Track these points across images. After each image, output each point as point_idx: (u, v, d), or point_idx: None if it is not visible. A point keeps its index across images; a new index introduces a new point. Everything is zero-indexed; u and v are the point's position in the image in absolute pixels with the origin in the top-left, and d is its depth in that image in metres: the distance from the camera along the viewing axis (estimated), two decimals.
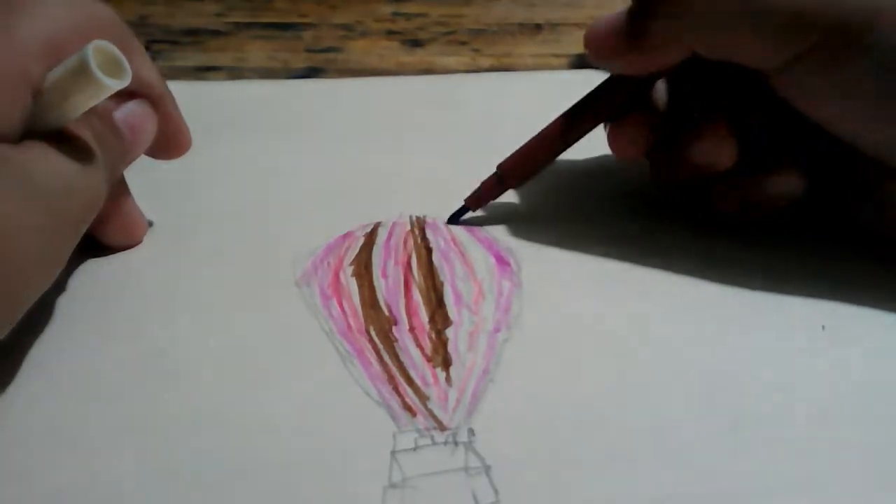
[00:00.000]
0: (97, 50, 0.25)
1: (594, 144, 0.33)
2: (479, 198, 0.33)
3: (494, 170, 0.33)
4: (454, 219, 0.33)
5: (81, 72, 0.25)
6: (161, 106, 0.31)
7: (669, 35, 0.29)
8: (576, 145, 0.33)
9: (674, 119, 0.32)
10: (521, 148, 0.33)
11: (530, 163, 0.33)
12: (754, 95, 0.30)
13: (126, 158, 0.30)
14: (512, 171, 0.33)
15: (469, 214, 0.33)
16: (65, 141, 0.26)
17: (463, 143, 0.40)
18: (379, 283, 0.30)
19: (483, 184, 0.33)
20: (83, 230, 0.27)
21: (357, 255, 0.31)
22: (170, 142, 0.32)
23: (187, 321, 0.28)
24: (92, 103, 0.26)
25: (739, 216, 0.31)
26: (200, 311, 0.28)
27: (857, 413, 0.25)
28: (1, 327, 0.24)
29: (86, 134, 0.27)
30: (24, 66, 0.25)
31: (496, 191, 0.33)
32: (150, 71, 0.31)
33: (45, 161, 0.25)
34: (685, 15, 0.28)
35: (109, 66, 0.25)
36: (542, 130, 0.33)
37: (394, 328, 0.28)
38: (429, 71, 0.48)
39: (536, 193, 0.35)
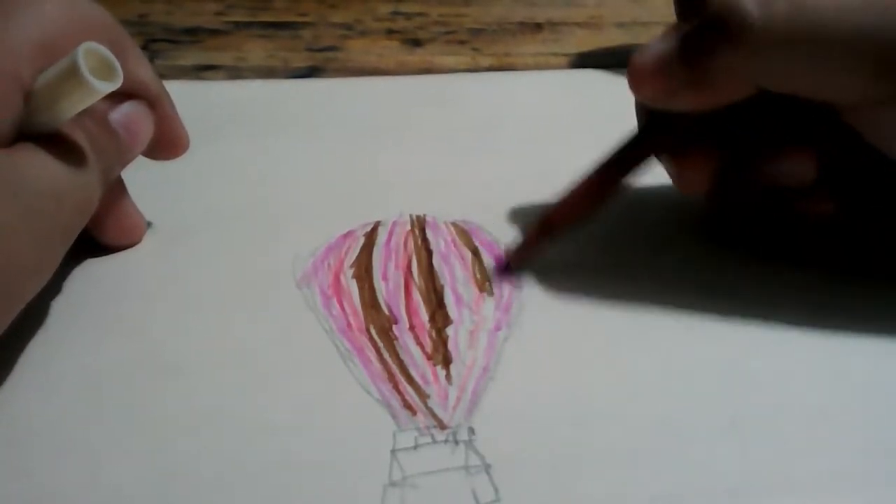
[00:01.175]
0: (88, 52, 0.25)
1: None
2: (521, 256, 0.30)
3: (537, 221, 0.30)
4: (501, 272, 0.30)
5: (72, 74, 0.24)
6: (158, 106, 0.31)
7: (733, 73, 0.26)
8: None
9: (744, 142, 0.28)
10: (568, 195, 0.29)
11: (580, 211, 0.30)
12: (819, 119, 0.27)
13: (122, 160, 0.30)
14: (558, 223, 0.30)
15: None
16: (56, 144, 0.26)
17: (463, 142, 0.39)
18: (379, 285, 0.30)
19: (525, 239, 0.30)
20: (75, 234, 0.27)
21: (357, 257, 0.31)
22: (167, 143, 0.32)
23: (187, 321, 0.28)
24: (83, 106, 0.26)
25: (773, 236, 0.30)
26: (200, 312, 0.28)
27: (857, 411, 0.25)
28: None
29: (78, 136, 0.27)
30: (15, 70, 0.25)
31: (541, 246, 0.30)
32: (145, 71, 0.30)
33: (36, 165, 0.25)
34: (752, 51, 0.25)
35: (101, 68, 0.25)
36: (590, 174, 0.29)
37: (394, 327, 0.28)
38: (429, 70, 0.48)
39: (535, 195, 0.35)
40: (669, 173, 0.30)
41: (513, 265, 0.30)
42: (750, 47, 0.25)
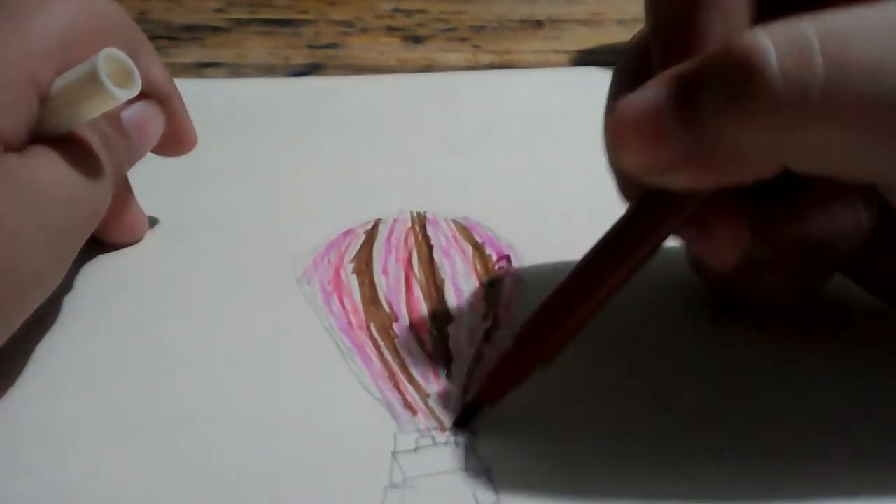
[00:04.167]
0: (108, 58, 0.25)
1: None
2: (495, 387, 0.23)
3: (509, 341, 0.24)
4: (461, 422, 0.23)
5: (91, 81, 0.24)
6: (168, 105, 0.31)
7: (748, 152, 0.19)
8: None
9: (781, 197, 0.23)
10: (551, 306, 0.23)
11: (566, 326, 0.23)
12: None
13: (131, 159, 0.30)
14: (536, 344, 0.23)
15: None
16: (71, 147, 0.26)
17: (463, 140, 0.39)
18: (380, 280, 0.30)
19: (494, 369, 0.24)
20: (85, 239, 0.27)
21: (358, 252, 0.31)
22: (175, 140, 0.32)
23: (188, 319, 0.28)
24: (100, 111, 0.26)
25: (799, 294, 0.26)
26: (201, 309, 0.28)
27: (856, 411, 0.25)
28: None
29: (93, 139, 0.27)
30: (32, 71, 0.25)
31: (516, 375, 0.23)
32: (158, 70, 0.30)
33: (50, 170, 0.25)
34: (773, 127, 0.18)
35: (119, 73, 0.25)
36: (578, 275, 0.23)
37: (394, 325, 0.28)
38: (429, 68, 0.48)
39: (536, 192, 0.35)
40: (696, 253, 0.25)
41: (487, 403, 0.23)
42: (771, 122, 0.18)
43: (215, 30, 0.53)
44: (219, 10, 0.56)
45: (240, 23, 0.54)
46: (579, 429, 0.24)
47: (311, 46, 0.51)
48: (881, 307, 0.27)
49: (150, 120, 0.30)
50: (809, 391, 0.25)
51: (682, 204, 0.21)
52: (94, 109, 0.26)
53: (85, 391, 0.25)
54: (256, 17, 0.55)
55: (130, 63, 0.25)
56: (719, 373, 0.25)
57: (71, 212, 0.25)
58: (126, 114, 0.29)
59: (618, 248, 0.22)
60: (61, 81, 0.25)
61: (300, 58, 0.49)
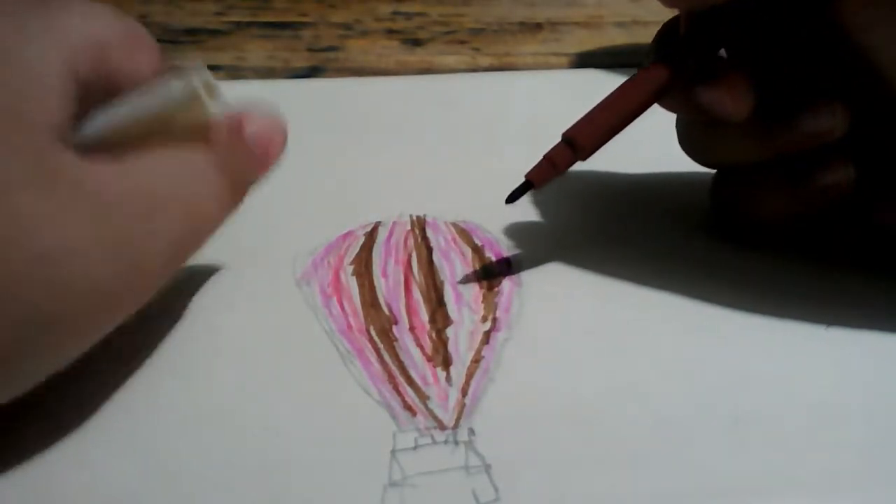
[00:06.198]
0: (197, 71, 0.24)
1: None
2: (545, 171, 0.28)
3: (560, 140, 0.28)
4: (514, 197, 0.28)
5: (184, 92, 0.24)
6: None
7: None
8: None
9: (776, 93, 0.28)
10: (594, 111, 0.28)
11: (608, 126, 0.28)
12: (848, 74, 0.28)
13: (254, 178, 0.28)
14: (586, 139, 0.28)
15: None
16: (149, 152, 0.24)
17: (463, 142, 0.39)
18: (379, 282, 0.30)
19: (549, 155, 0.28)
20: (187, 254, 0.25)
21: (357, 255, 0.31)
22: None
23: (187, 319, 0.28)
24: (189, 123, 0.25)
25: (786, 217, 0.30)
26: (200, 310, 0.28)
27: (857, 411, 0.25)
28: (52, 370, 0.22)
29: (206, 156, 0.25)
30: (74, 63, 0.23)
31: (566, 162, 0.28)
32: None
33: (115, 174, 0.23)
34: None
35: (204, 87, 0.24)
36: (618, 90, 0.29)
37: (394, 327, 0.28)
38: (429, 70, 0.48)
39: (538, 193, 0.35)
40: (708, 102, 0.28)
41: (535, 184, 0.28)
42: None
43: (215, 33, 0.53)
44: (218, 14, 0.56)
45: (239, 26, 0.54)
46: (579, 420, 0.24)
47: (311, 49, 0.51)
48: None
49: (275, 136, 0.28)
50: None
51: (704, 28, 0.29)
52: (185, 121, 0.25)
53: (84, 391, 0.25)
54: (256, 20, 0.55)
55: (215, 83, 0.25)
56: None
57: (149, 224, 0.23)
58: (251, 129, 0.27)
59: (645, 76, 0.28)
60: (140, 93, 0.25)
61: (300, 61, 0.49)
